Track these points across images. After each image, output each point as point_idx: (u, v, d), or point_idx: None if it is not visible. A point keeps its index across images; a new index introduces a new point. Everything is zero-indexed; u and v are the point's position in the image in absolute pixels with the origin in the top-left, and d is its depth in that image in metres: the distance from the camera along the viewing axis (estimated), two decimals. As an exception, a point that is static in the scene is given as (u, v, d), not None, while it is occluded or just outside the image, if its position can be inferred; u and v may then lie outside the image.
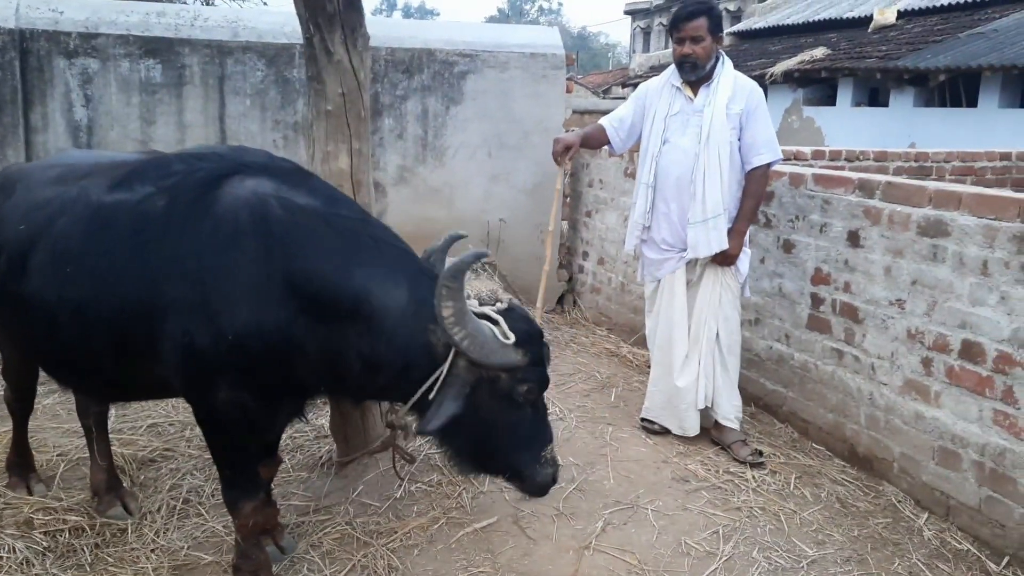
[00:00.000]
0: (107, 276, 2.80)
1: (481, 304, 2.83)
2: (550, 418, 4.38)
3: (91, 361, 2.98)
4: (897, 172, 6.42)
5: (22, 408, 3.74)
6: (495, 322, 2.71)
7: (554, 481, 2.93)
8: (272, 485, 3.40)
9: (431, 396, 2.67)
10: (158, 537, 3.45)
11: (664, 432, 4.55)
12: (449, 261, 2.83)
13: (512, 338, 2.67)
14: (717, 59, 4.23)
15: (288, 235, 2.73)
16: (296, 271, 2.70)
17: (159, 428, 4.50)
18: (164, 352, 2.76)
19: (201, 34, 5.95)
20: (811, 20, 17.70)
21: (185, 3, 15.43)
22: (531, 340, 2.75)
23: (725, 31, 20.31)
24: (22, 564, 3.23)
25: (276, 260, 2.70)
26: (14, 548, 3.31)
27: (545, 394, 2.91)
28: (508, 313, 2.79)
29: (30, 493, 3.69)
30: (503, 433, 2.78)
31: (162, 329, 2.73)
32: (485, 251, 2.78)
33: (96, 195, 2.93)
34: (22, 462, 3.80)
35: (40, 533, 3.42)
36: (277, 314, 2.70)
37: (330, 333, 2.73)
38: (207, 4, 16.03)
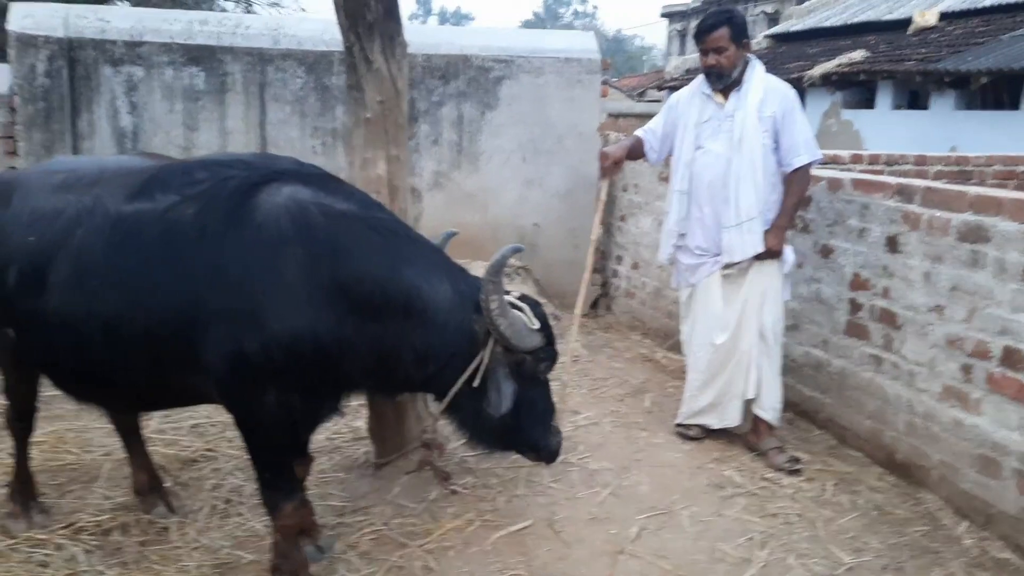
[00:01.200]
0: (138, 289, 2.78)
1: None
2: (584, 423, 4.39)
3: (121, 375, 2.96)
4: (937, 176, 6.35)
5: (23, 428, 3.59)
6: (520, 310, 3.01)
7: (560, 446, 3.24)
8: (310, 486, 3.46)
9: (475, 383, 2.91)
10: (200, 536, 3.52)
11: (700, 438, 4.53)
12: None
13: (537, 323, 2.98)
14: (746, 64, 4.23)
15: (333, 241, 2.79)
16: (346, 275, 2.77)
17: (201, 428, 4.57)
18: (207, 361, 2.77)
19: (243, 42, 6.05)
20: (849, 23, 17.50)
21: (227, 11, 15.67)
22: (545, 323, 3.05)
23: (762, 34, 20.21)
24: (68, 561, 3.32)
25: (323, 266, 2.75)
26: (60, 546, 3.40)
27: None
28: (524, 300, 3.09)
29: (30, 525, 3.51)
30: (526, 409, 3.04)
31: (204, 339, 2.74)
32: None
33: (114, 204, 2.88)
34: (24, 489, 3.61)
35: (86, 532, 3.50)
36: (327, 318, 2.76)
37: (383, 331, 2.83)
38: (248, 11, 16.26)
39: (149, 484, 3.71)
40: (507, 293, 3.03)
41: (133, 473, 3.74)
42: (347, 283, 2.77)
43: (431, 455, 3.49)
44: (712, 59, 4.17)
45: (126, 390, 3.09)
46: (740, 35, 4.17)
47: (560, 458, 3.30)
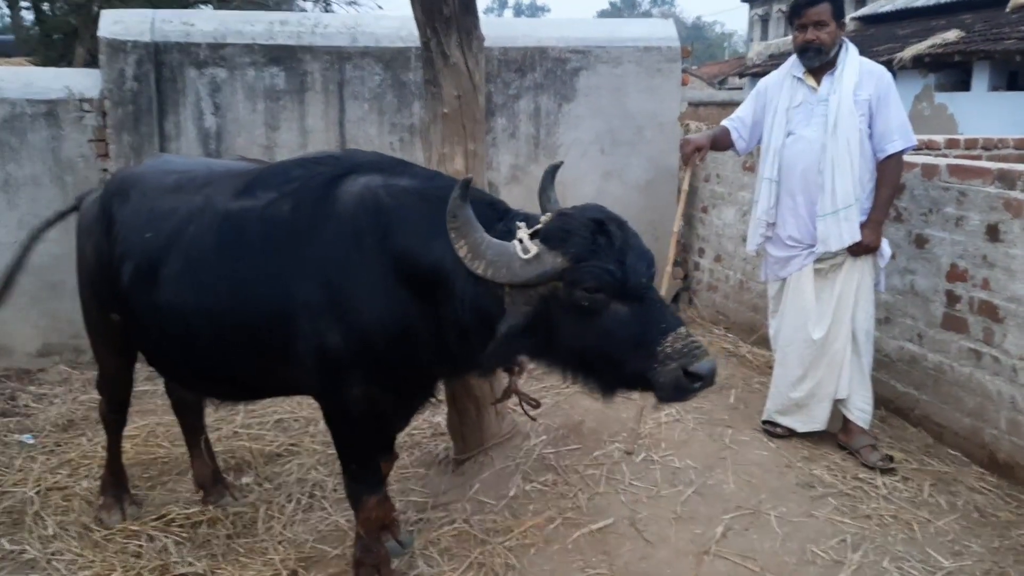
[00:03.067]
0: (243, 283, 2.89)
1: (531, 224, 2.64)
2: (667, 419, 4.22)
3: (227, 365, 3.08)
4: (1040, 160, 6.03)
5: (117, 420, 3.73)
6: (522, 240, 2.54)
7: (692, 376, 2.47)
8: (391, 481, 3.48)
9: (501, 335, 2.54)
10: (285, 530, 3.58)
11: (787, 436, 4.40)
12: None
13: (533, 250, 2.48)
14: (840, 46, 4.09)
15: (391, 219, 2.79)
16: (396, 253, 2.76)
17: (285, 424, 4.66)
18: (299, 354, 2.85)
19: (322, 41, 6.12)
20: (943, 2, 16.80)
21: (305, 11, 15.94)
22: (569, 239, 2.49)
23: (849, 16, 19.55)
24: (160, 552, 3.41)
25: (386, 248, 2.77)
26: (152, 537, 3.50)
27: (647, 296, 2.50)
28: (552, 219, 2.59)
29: (124, 517, 3.64)
30: (599, 342, 2.52)
31: (296, 331, 2.82)
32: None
33: (222, 203, 3.02)
34: (116, 482, 3.75)
35: (176, 524, 3.60)
36: (396, 304, 2.77)
37: (431, 309, 2.76)
38: (326, 11, 16.50)
39: (212, 477, 3.82)
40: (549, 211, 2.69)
41: (195, 467, 3.85)
42: (397, 261, 2.76)
43: (514, 381, 3.34)
44: (812, 34, 4.04)
45: (232, 379, 3.20)
46: (839, 13, 4.07)
47: (692, 393, 2.54)
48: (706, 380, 2.51)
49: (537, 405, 3.55)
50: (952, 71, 14.25)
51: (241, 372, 3.11)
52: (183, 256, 3.00)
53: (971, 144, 6.05)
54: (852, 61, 4.08)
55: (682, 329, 2.52)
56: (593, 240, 2.49)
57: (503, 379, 3.46)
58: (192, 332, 3.02)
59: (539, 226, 2.59)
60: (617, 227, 2.55)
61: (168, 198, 3.18)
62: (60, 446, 4.41)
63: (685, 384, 2.49)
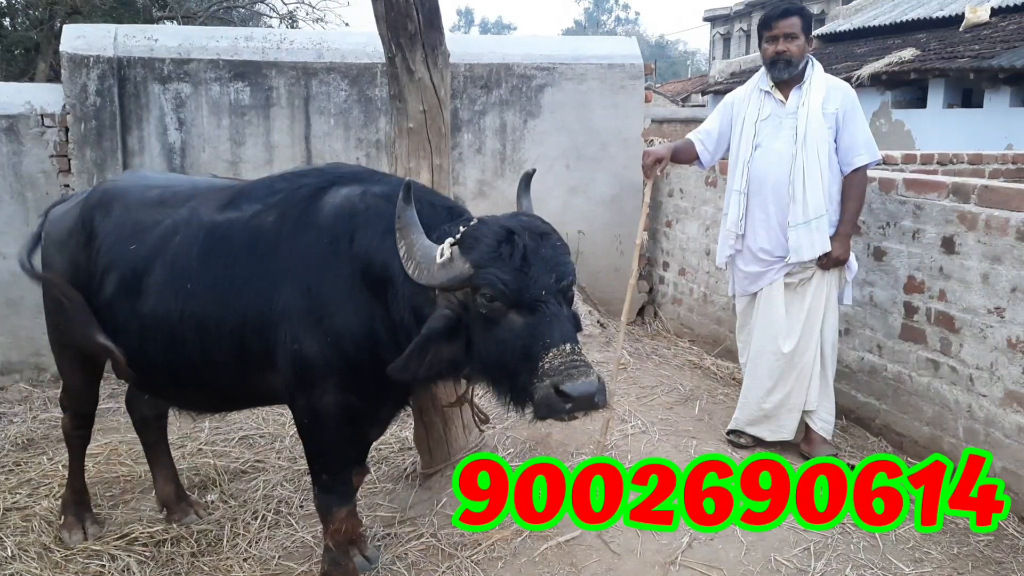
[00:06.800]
0: (227, 291, 2.93)
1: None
2: (633, 431, 4.25)
3: (209, 373, 3.08)
4: (993, 175, 6.17)
5: (81, 437, 3.68)
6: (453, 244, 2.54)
7: (563, 395, 2.36)
8: (358, 497, 3.46)
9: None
10: (250, 547, 3.55)
11: (752, 446, 4.45)
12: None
13: (446, 254, 2.48)
14: (807, 61, 4.19)
15: (358, 222, 2.84)
16: (359, 253, 2.81)
17: (250, 440, 4.62)
18: (278, 360, 2.88)
19: (287, 56, 6.12)
20: (899, 21, 17.18)
21: (271, 27, 15.91)
22: (475, 245, 2.48)
23: (808, 35, 19.89)
24: (123, 572, 3.37)
25: (353, 252, 2.81)
26: (114, 556, 3.45)
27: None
28: (471, 225, 2.58)
29: (85, 536, 3.58)
30: (496, 351, 2.50)
31: (276, 338, 2.86)
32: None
33: (208, 215, 3.07)
34: (78, 500, 3.69)
35: (139, 543, 3.55)
36: (360, 307, 2.81)
37: (385, 310, 2.80)
38: (292, 27, 16.48)
39: (176, 494, 3.78)
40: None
41: (158, 485, 3.81)
42: (362, 264, 2.80)
43: (470, 391, 3.38)
44: (783, 45, 4.12)
45: (212, 388, 3.20)
46: (808, 28, 4.17)
47: (564, 414, 2.43)
48: (578, 402, 2.37)
49: (486, 420, 3.62)
50: (908, 88, 14.56)
51: (223, 380, 3.11)
52: (169, 266, 3.03)
53: (927, 159, 6.18)
54: (819, 76, 4.18)
55: (566, 345, 2.41)
56: (496, 248, 2.46)
57: (462, 387, 3.48)
58: (176, 340, 3.02)
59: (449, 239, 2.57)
60: (530, 237, 2.50)
61: (152, 211, 3.20)
62: (19, 465, 4.33)
63: (556, 403, 2.38)
